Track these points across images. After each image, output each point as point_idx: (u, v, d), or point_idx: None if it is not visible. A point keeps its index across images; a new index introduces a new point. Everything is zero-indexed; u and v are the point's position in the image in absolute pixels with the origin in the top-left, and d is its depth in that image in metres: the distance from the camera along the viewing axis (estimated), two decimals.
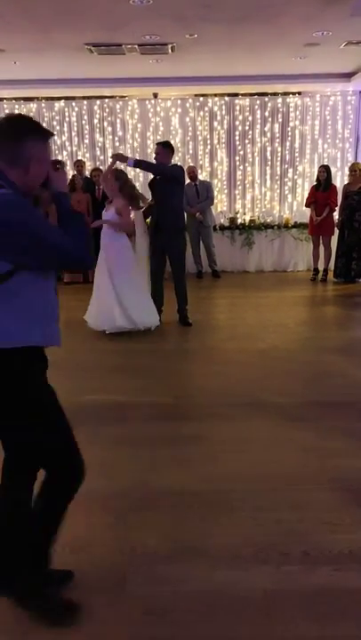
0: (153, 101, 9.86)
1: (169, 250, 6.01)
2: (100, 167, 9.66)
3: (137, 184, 9.68)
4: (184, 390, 4.25)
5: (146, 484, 2.89)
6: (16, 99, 9.82)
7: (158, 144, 6.08)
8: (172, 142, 9.80)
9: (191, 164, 9.48)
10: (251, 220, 9.81)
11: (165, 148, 5.97)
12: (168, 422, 3.68)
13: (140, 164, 5.90)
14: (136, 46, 7.04)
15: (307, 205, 8.83)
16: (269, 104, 9.86)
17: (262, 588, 2.15)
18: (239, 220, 9.84)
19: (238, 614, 2.03)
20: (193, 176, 8.90)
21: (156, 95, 9.77)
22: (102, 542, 2.43)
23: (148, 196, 6.67)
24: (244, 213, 10.06)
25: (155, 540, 2.44)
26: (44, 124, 9.69)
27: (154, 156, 5.98)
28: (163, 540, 2.44)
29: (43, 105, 9.91)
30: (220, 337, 5.81)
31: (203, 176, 9.77)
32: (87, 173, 9.18)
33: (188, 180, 8.98)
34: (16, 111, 9.92)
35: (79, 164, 9.19)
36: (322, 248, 8.74)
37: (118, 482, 2.92)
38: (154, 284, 6.11)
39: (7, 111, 9.93)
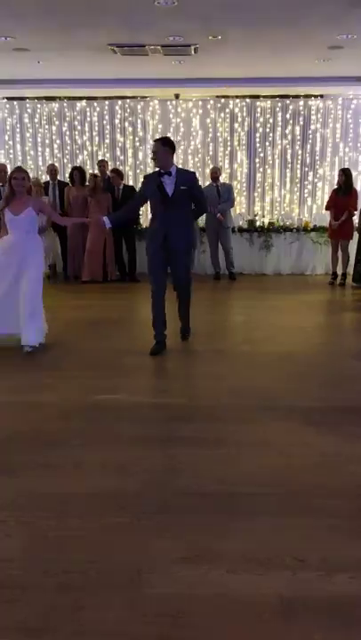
0: (174, 102, 9.87)
1: (176, 266, 5.14)
2: (120, 167, 9.71)
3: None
4: (200, 392, 4.24)
5: (161, 485, 2.89)
6: (38, 98, 9.91)
7: (157, 141, 5.00)
8: (192, 143, 9.93)
9: (213, 165, 9.46)
10: (270, 223, 9.77)
11: (165, 146, 4.88)
12: (183, 423, 3.67)
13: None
14: (159, 47, 7.06)
15: (326, 209, 8.79)
16: (291, 106, 9.82)
17: (278, 593, 2.13)
18: (258, 223, 9.80)
19: (254, 620, 2.01)
20: (215, 177, 8.90)
21: (177, 96, 9.79)
22: (117, 542, 2.43)
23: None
24: (263, 216, 10.02)
25: (170, 541, 2.43)
26: (65, 124, 9.93)
27: (151, 155, 5.13)
28: (178, 541, 2.43)
29: (65, 104, 9.98)
30: (237, 340, 5.79)
31: (222, 178, 9.75)
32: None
33: (209, 181, 9.00)
34: (38, 110, 10.01)
35: (103, 164, 9.23)
36: (341, 252, 8.68)
37: (133, 482, 2.92)
38: (157, 305, 5.13)
39: (29, 110, 10.02)
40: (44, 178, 9.35)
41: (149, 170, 10.06)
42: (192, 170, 6.61)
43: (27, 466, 3.11)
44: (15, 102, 9.99)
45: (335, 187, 8.76)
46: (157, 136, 9.83)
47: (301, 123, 9.86)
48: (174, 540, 2.44)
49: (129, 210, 5.58)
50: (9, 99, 9.93)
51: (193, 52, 7.24)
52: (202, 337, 5.78)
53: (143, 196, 5.15)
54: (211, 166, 9.51)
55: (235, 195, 9.48)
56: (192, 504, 2.72)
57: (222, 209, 8.75)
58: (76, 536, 2.48)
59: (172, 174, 4.88)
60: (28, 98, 9.92)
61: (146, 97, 9.84)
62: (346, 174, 8.45)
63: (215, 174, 8.92)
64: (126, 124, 10.00)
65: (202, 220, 8.94)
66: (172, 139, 5.25)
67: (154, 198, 4.97)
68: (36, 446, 3.34)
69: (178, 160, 9.83)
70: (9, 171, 8.89)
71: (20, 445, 3.36)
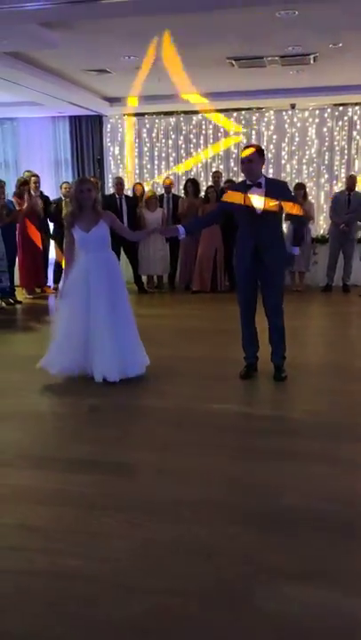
0: (290, 112, 9.78)
1: (267, 286, 4.57)
2: (234, 178, 9.77)
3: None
4: (314, 407, 4.12)
5: (273, 499, 2.84)
6: (156, 113, 10.24)
7: (249, 147, 4.41)
8: (307, 153, 9.76)
9: (352, 174, 9.14)
10: None
11: (261, 156, 4.43)
12: (295, 437, 3.59)
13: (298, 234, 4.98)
14: (277, 58, 7.04)
15: None
16: None
17: None
18: None
19: None
20: (352, 185, 8.62)
21: (293, 106, 9.69)
22: (228, 552, 2.42)
23: None
24: None
25: (282, 557, 2.38)
26: (181, 137, 10.14)
27: (248, 167, 4.32)
28: (290, 558, 2.37)
29: (181, 119, 10.24)
30: (352, 354, 5.57)
31: (338, 187, 9.50)
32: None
33: (342, 188, 8.82)
34: (155, 125, 10.35)
35: (216, 176, 9.36)
36: None
37: (244, 493, 2.90)
38: (247, 325, 4.71)
39: (147, 125, 10.39)
40: (160, 190, 9.63)
41: None
42: (283, 180, 6.20)
43: (140, 469, 3.20)
44: (134, 118, 10.41)
45: None
46: (271, 146, 9.87)
47: None
48: (286, 556, 2.39)
49: (206, 221, 5.76)
50: (129, 115, 10.37)
51: (312, 60, 7.14)
52: (316, 350, 5.62)
53: (225, 211, 4.74)
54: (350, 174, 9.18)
55: None
56: (303, 521, 2.64)
57: (348, 219, 8.44)
58: (185, 542, 2.50)
59: (262, 185, 4.32)
60: (146, 114, 10.29)
61: (261, 108, 9.85)
62: None
63: (352, 181, 8.62)
64: (241, 135, 10.06)
65: (323, 229, 8.77)
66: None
67: (239, 213, 4.45)
68: (149, 450, 3.42)
69: (292, 169, 9.73)
70: (125, 184, 9.29)
71: (133, 449, 3.46)
